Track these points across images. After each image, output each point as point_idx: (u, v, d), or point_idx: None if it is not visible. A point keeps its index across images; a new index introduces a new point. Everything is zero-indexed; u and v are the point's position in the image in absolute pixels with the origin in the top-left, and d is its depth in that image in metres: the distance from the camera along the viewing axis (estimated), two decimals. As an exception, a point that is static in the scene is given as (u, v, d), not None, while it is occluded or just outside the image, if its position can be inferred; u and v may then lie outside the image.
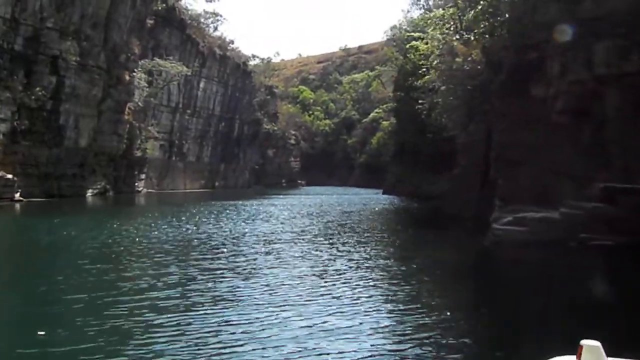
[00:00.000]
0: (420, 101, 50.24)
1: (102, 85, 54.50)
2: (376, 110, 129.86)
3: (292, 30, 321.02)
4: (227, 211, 40.12)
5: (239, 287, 14.19)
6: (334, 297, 13.01)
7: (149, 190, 71.15)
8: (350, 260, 18.60)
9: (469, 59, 29.64)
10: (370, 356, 8.98)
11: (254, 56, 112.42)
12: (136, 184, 66.24)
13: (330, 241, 23.48)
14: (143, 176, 69.35)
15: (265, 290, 13.66)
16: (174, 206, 45.77)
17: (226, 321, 10.76)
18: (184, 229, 26.96)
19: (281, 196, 68.77)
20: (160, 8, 71.21)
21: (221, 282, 14.84)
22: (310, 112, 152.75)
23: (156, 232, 25.42)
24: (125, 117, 59.12)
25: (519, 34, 24.27)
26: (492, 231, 21.75)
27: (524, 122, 23.50)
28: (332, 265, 17.49)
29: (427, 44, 50.14)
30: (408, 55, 65.25)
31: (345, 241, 23.45)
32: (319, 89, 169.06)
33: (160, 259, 18.49)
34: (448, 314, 11.74)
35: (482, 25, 29.16)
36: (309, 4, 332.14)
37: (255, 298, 12.89)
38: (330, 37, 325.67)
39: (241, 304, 12.46)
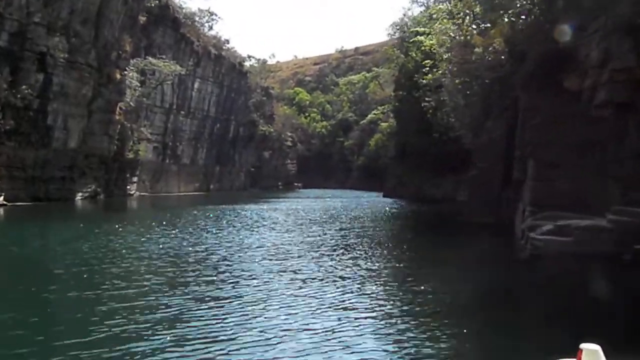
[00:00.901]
0: (426, 99, 47.89)
1: (92, 84, 52.06)
2: (374, 112, 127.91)
3: (287, 32, 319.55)
4: (226, 217, 37.47)
5: (253, 326, 10.69)
6: (375, 335, 10.51)
7: (142, 194, 68.68)
8: (378, 281, 15.91)
9: (490, 48, 27.02)
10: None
11: (249, 57, 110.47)
12: (128, 187, 63.76)
13: (351, 255, 20.28)
14: (135, 179, 66.88)
15: (289, 334, 10.22)
16: (168, 211, 42.96)
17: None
18: (178, 240, 23.52)
19: (280, 199, 66.17)
20: (153, 5, 68.92)
21: (229, 319, 11.18)
22: (307, 114, 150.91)
23: (146, 245, 22.21)
24: (117, 118, 56.69)
25: (548, 20, 21.87)
26: (529, 241, 19.10)
27: (559, 117, 21.11)
28: (361, 290, 14.33)
29: (431, 40, 47.80)
30: (410, 53, 63.09)
31: (367, 255, 20.54)
32: (315, 91, 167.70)
33: (148, 284, 14.58)
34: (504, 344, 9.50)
35: (503, 13, 26.69)
36: (304, 6, 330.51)
37: (279, 343, 9.65)
38: (326, 39, 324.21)
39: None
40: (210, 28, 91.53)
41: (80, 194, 52.69)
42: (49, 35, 46.86)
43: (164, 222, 31.04)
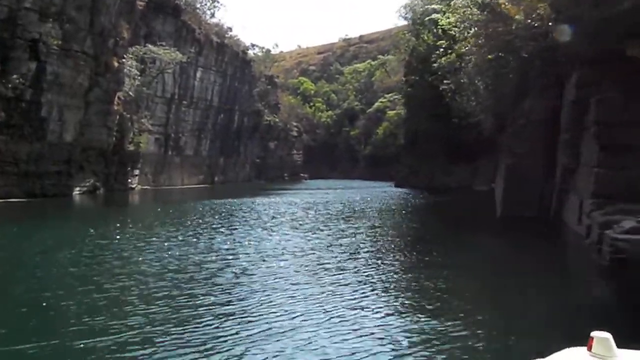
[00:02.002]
0: (445, 81, 45.04)
1: (88, 72, 49.42)
2: (381, 100, 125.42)
3: (290, 22, 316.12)
4: (237, 213, 34.13)
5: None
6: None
7: (144, 187, 66.20)
8: (446, 305, 12.55)
9: (534, 15, 23.77)
10: None
11: (253, 45, 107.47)
12: (129, 180, 61.15)
13: (397, 263, 17.09)
14: (137, 172, 64.26)
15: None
16: (171, 206, 40.38)
17: None
18: (184, 247, 19.65)
19: (289, 191, 63.18)
20: (152, -9, 66.23)
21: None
22: (311, 104, 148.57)
23: (145, 254, 18.21)
24: (115, 108, 54.06)
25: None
26: (607, 242, 15.48)
27: (628, 92, 17.97)
28: (434, 317, 11.04)
29: (448, 18, 44.93)
30: (422, 35, 60.32)
31: (414, 263, 17.23)
32: (319, 80, 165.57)
33: (138, 329, 10.12)
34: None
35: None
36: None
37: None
38: (330, 28, 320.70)
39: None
40: (212, 16, 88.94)
41: (78, 189, 50.19)
42: (41, 22, 44.24)
43: (167, 221, 28.24)
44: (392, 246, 20.27)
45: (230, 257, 17.88)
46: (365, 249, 19.05)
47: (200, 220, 28.84)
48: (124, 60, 54.97)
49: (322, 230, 24.63)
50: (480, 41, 31.53)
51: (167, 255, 17.79)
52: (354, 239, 21.58)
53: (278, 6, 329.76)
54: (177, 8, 73.96)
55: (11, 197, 42.05)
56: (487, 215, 30.74)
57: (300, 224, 27.58)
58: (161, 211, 35.78)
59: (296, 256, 17.86)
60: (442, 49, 49.93)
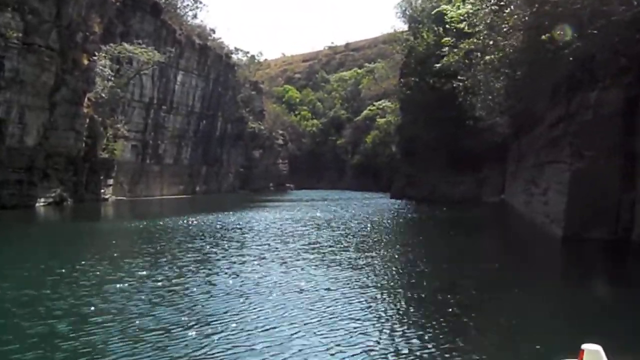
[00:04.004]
0: (459, 77, 40.25)
1: (54, 70, 44.13)
2: (370, 108, 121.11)
3: (274, 29, 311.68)
4: (225, 233, 27.01)
5: None
6: None
7: (119, 198, 60.76)
8: None
9: None
10: None
11: (237, 49, 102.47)
12: (102, 190, 55.70)
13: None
14: (111, 181, 58.84)
15: None
16: (146, 223, 32.77)
17: None
18: (153, 301, 12.47)
19: (278, 204, 57.18)
20: (129, -14, 61.20)
21: None
22: (297, 112, 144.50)
23: (97, 303, 12.15)
24: (85, 111, 48.71)
25: None
26: None
27: None
28: None
29: (458, 8, 40.31)
30: (422, 34, 55.71)
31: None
32: (305, 89, 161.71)
33: None
34: None
35: None
36: (291, 2, 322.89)
37: None
38: (315, 36, 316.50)
39: None
40: (195, 17, 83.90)
41: (42, 199, 44.87)
42: (-2, 11, 39.14)
43: (136, 248, 21.67)
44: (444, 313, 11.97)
45: (221, 320, 11.28)
46: (398, 315, 11.87)
47: (179, 247, 22.09)
48: (95, 57, 49.67)
49: (342, 264, 17.37)
50: (506, 27, 26.66)
51: (121, 300, 12.48)
52: (375, 284, 14.60)
53: (262, 13, 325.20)
54: (156, 6, 68.96)
55: (-38, 210, 36.78)
56: (534, 238, 24.58)
57: (308, 253, 20.12)
58: (132, 231, 28.63)
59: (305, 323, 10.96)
60: (446, 47, 45.27)
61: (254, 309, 11.67)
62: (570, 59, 19.37)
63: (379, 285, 14.30)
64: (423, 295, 12.99)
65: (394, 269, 16.86)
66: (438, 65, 49.92)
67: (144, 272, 15.92)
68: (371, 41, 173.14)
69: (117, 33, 60.82)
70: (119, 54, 57.24)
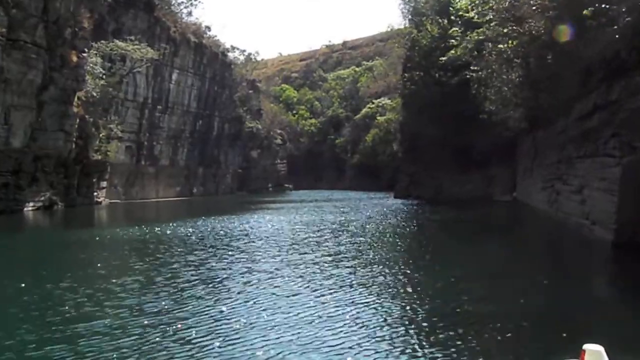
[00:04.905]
0: (472, 67, 38.06)
1: (41, 67, 41.88)
2: (369, 106, 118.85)
3: (270, 28, 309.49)
4: (228, 242, 23.81)
5: None
6: None
7: (113, 201, 58.52)
8: None
9: None
10: None
11: (233, 47, 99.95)
12: (95, 193, 53.49)
13: None
14: (104, 184, 56.63)
15: None
16: (143, 227, 30.34)
17: None
18: (155, 334, 9.87)
19: (280, 206, 54.24)
20: (120, -18, 58.99)
21: None
22: (294, 112, 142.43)
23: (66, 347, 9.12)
24: (75, 110, 46.39)
25: None
26: None
27: None
28: None
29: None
30: (426, 26, 53.53)
31: None
32: (302, 88, 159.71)
33: None
34: None
35: None
36: (288, 2, 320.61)
37: None
38: (312, 34, 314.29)
39: None
40: (189, 14, 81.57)
41: (31, 204, 42.64)
42: (-20, 5, 36.94)
43: (126, 265, 18.34)
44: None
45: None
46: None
47: (177, 261, 18.54)
48: (84, 54, 47.36)
49: (365, 287, 13.84)
50: (530, 10, 24.44)
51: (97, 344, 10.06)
52: (426, 312, 11.54)
53: (258, 12, 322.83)
54: (149, 3, 66.74)
55: (-57, 216, 34.56)
56: (576, 243, 21.63)
57: (325, 272, 16.06)
58: (123, 240, 25.24)
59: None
60: (453, 39, 43.17)
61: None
62: (617, 36, 17.10)
63: (430, 314, 11.32)
64: (480, 326, 10.47)
65: (437, 288, 13.90)
66: (444, 58, 47.87)
67: (134, 300, 12.64)
68: (369, 39, 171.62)
69: (109, 30, 58.74)
70: (110, 51, 55.06)
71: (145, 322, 10.59)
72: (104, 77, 53.25)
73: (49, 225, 37.92)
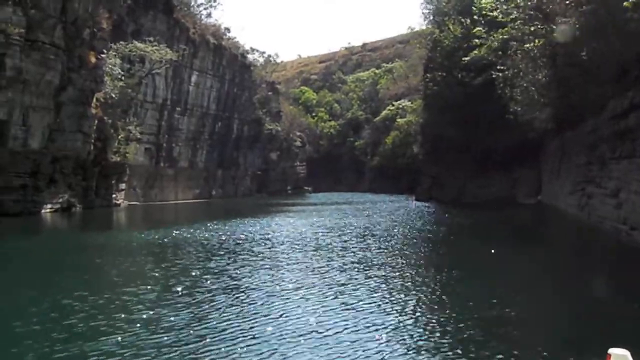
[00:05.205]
0: (499, 67, 37.14)
1: (59, 68, 41.54)
2: (389, 108, 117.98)
3: (290, 31, 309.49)
4: (256, 246, 22.89)
5: None
6: None
7: (132, 203, 58.17)
8: None
9: None
10: None
11: (252, 49, 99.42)
12: (114, 195, 53.12)
13: None
14: (123, 186, 56.26)
15: None
16: (162, 230, 29.65)
17: None
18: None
19: (300, 207, 53.36)
20: (140, -16, 58.74)
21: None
22: (314, 114, 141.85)
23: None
24: (93, 111, 46.04)
25: None
26: None
27: None
28: None
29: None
30: (448, 26, 52.64)
31: None
32: (321, 90, 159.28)
33: None
34: None
35: None
36: (306, 3, 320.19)
37: None
38: (331, 37, 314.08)
39: None
40: (209, 16, 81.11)
41: (49, 206, 42.26)
42: (-2, 6, 36.64)
43: (144, 272, 17.17)
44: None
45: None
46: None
47: (191, 270, 17.35)
48: (103, 55, 47.00)
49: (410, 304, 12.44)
50: (562, 6, 23.52)
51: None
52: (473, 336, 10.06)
53: (277, 15, 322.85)
54: (168, 4, 66.44)
55: (-39, 218, 34.23)
56: (618, 252, 19.78)
57: (358, 284, 14.48)
58: (140, 244, 24.68)
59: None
60: (477, 39, 42.24)
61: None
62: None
63: (466, 322, 10.60)
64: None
65: (472, 296, 12.96)
66: (467, 58, 46.97)
67: (149, 313, 11.53)
68: (388, 41, 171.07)
69: (128, 32, 58.48)
70: (129, 52, 54.76)
71: (161, 340, 9.66)
72: (123, 78, 52.88)
73: (66, 227, 37.54)
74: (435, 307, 12.15)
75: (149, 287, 14.46)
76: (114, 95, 50.55)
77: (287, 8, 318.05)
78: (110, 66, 49.81)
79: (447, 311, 11.59)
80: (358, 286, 14.20)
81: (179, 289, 14.09)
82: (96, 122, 46.81)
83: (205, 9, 79.90)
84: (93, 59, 45.14)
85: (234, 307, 12.16)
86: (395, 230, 29.28)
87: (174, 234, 27.65)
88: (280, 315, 11.35)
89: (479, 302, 12.38)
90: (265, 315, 11.40)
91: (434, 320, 10.89)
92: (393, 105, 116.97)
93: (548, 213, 38.37)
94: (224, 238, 25.95)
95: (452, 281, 15.17)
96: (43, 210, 41.28)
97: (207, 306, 12.26)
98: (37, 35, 39.34)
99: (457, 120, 50.72)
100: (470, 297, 12.91)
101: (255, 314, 11.57)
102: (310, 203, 65.76)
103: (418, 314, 11.46)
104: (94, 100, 46.33)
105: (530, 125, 37.80)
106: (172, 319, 11.09)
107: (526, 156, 47.67)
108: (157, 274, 16.72)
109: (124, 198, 56.60)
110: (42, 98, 40.69)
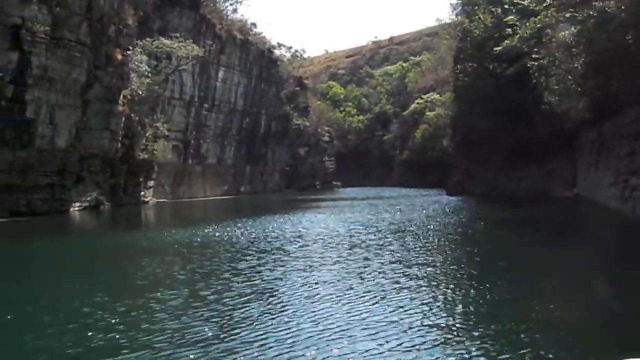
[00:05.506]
0: (534, 56, 35.90)
1: (85, 66, 41.36)
2: (417, 101, 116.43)
3: (316, 26, 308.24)
4: (290, 245, 21.70)
5: None
6: None
7: (160, 200, 57.95)
8: None
9: None
10: None
11: (279, 45, 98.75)
12: (142, 193, 52.85)
13: None
14: (151, 183, 56.04)
15: None
16: (191, 229, 28.56)
17: None
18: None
19: (331, 203, 52.25)
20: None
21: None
22: (341, 109, 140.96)
23: None
24: (120, 109, 45.76)
25: None
26: None
27: None
28: None
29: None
30: (478, 16, 51.41)
31: None
32: (349, 84, 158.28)
33: None
34: None
35: None
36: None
37: None
38: (358, 31, 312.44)
39: None
40: (235, 11, 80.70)
41: (77, 204, 42.10)
42: (23, 4, 36.48)
43: (171, 276, 16.06)
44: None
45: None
46: None
47: (216, 265, 17.35)
48: (129, 52, 46.69)
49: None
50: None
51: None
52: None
53: (304, 10, 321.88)
54: (195, 1, 66.12)
55: (-10, 217, 34.10)
56: None
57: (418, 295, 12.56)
58: (168, 244, 23.47)
59: None
60: (509, 28, 41.07)
61: None
62: None
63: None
64: None
65: (528, 304, 11.45)
66: (498, 48, 45.72)
67: (175, 322, 10.49)
68: (416, 34, 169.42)
69: (154, 28, 58.29)
70: (156, 49, 54.53)
71: (187, 356, 8.56)
72: (150, 75, 52.61)
73: (93, 226, 37.32)
74: (485, 309, 11.17)
75: (174, 291, 13.48)
76: (140, 92, 50.27)
77: (314, 3, 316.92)
78: (136, 63, 49.55)
79: (499, 315, 10.63)
80: (401, 289, 12.99)
81: (207, 293, 13.07)
82: (123, 119, 46.53)
83: (231, 4, 79.70)
84: (119, 56, 44.86)
85: (267, 315, 10.94)
86: (432, 226, 28.07)
87: (202, 233, 26.84)
88: (320, 326, 10.08)
89: (532, 305, 11.42)
90: (302, 328, 10.03)
91: (485, 325, 9.95)
92: (422, 98, 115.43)
93: (587, 207, 36.87)
94: (253, 236, 24.93)
95: (501, 282, 13.98)
96: (71, 209, 41.13)
97: (237, 314, 11.12)
98: (63, 32, 39.16)
99: (489, 111, 49.43)
100: (522, 300, 11.97)
101: (290, 324, 10.28)
102: (341, 198, 64.84)
103: (469, 319, 10.47)
104: (121, 97, 46.06)
105: (566, 116, 36.54)
106: (199, 329, 9.97)
107: (561, 148, 46.15)
108: (183, 277, 15.86)
109: (152, 195, 56.39)
110: (69, 96, 40.50)
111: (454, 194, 58.08)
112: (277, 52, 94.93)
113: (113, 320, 10.55)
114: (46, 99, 38.55)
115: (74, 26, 40.04)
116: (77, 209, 41.94)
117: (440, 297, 12.28)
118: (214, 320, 10.68)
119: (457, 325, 9.95)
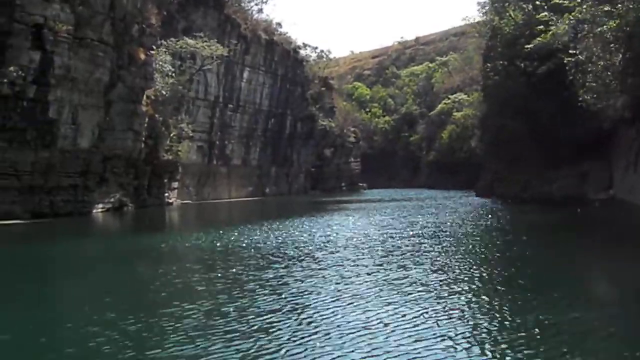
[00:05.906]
0: (570, 51, 34.58)
1: (108, 65, 40.84)
2: (444, 102, 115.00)
3: (341, 27, 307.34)
4: (321, 252, 20.31)
5: None
6: None
7: (184, 202, 57.45)
8: None
9: None
10: None
11: (305, 45, 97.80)
12: (167, 194, 52.32)
13: None
14: (176, 184, 55.52)
15: None
16: (216, 232, 27.29)
17: None
18: None
19: (359, 205, 50.75)
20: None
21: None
22: (367, 110, 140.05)
23: None
24: (144, 109, 45.20)
25: None
26: None
27: None
28: None
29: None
30: (509, 13, 50.11)
31: None
32: (375, 85, 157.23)
33: None
34: None
35: None
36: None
37: None
38: (383, 31, 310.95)
39: None
40: (260, 11, 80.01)
41: (101, 205, 41.59)
42: (46, 3, 36.00)
43: (194, 278, 15.72)
44: None
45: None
46: None
47: (241, 274, 15.79)
48: (152, 52, 46.15)
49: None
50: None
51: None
52: None
53: (328, 11, 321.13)
54: (219, 0, 65.61)
55: (12, 218, 33.63)
56: None
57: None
58: (191, 245, 23.28)
59: None
60: (541, 24, 39.77)
61: None
62: None
63: None
64: None
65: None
66: (530, 46, 44.36)
67: (194, 345, 9.11)
68: (442, 34, 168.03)
69: (179, 28, 57.89)
70: (180, 49, 54.04)
71: None
72: (174, 75, 52.11)
73: (114, 229, 36.69)
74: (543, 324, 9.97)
75: (193, 306, 11.94)
76: (164, 93, 49.77)
77: (339, 3, 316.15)
78: (160, 63, 49.07)
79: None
80: (444, 302, 11.61)
81: (230, 310, 11.58)
82: (147, 120, 45.97)
83: (256, 4, 79.00)
84: (142, 56, 44.34)
85: (297, 340, 9.32)
86: (468, 230, 26.77)
87: (226, 236, 25.66)
88: (357, 353, 8.61)
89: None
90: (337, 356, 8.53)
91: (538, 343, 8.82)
92: (449, 98, 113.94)
93: (627, 210, 35.32)
94: (280, 240, 23.63)
95: (567, 301, 12.40)
96: (94, 210, 40.64)
97: (263, 336, 9.56)
98: (86, 32, 38.68)
99: (520, 111, 48.04)
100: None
101: (324, 347, 8.91)
102: (368, 200, 63.63)
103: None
104: (144, 97, 45.54)
105: (603, 114, 35.15)
106: (218, 356, 8.57)
107: (596, 148, 44.60)
108: (203, 288, 14.57)
109: (177, 196, 55.90)
110: (92, 96, 40.01)
111: (483, 195, 56.78)
112: (302, 52, 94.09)
113: (122, 343, 9.22)
114: (69, 99, 38.06)
115: (96, 25, 39.55)
116: (100, 210, 41.46)
117: (497, 321, 10.40)
118: (235, 342, 9.23)
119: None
